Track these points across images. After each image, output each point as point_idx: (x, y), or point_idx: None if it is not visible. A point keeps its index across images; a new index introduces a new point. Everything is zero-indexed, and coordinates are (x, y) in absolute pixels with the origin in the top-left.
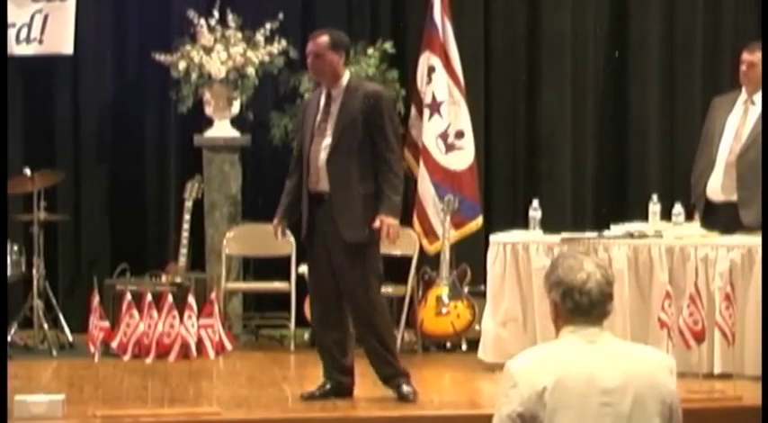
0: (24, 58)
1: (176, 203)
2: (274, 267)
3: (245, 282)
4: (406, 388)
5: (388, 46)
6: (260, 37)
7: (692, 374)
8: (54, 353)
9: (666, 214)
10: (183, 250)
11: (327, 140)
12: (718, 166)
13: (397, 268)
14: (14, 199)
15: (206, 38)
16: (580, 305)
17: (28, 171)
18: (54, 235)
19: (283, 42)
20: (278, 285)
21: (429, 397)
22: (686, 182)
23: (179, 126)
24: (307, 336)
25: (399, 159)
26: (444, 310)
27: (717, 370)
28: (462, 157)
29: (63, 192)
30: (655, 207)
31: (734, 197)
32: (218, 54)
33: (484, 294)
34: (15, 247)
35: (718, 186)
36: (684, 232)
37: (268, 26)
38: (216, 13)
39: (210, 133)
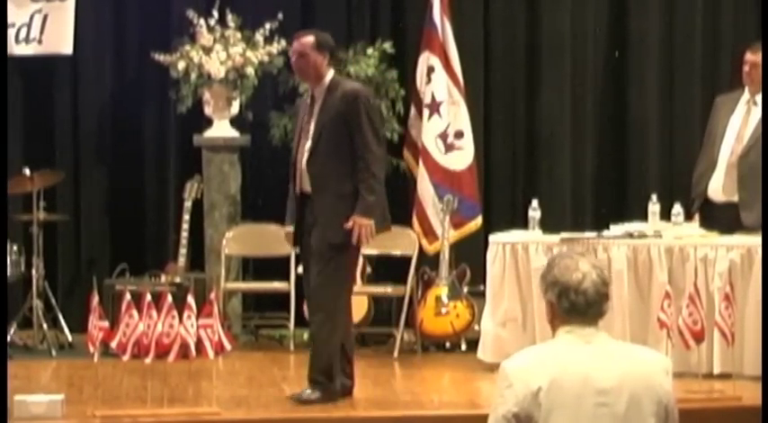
0: (24, 58)
1: (176, 203)
2: (274, 267)
3: (245, 282)
4: (311, 393)
5: (388, 46)
6: (259, 37)
7: (692, 374)
8: (53, 353)
9: (666, 214)
10: (183, 250)
11: (309, 143)
12: (719, 167)
13: (396, 268)
14: (14, 199)
15: (205, 38)
16: (576, 305)
17: (27, 171)
18: (53, 235)
19: (283, 42)
20: (277, 285)
21: (429, 397)
22: (686, 182)
23: (178, 126)
24: (306, 336)
25: (378, 159)
26: (444, 310)
27: (716, 370)
28: (462, 157)
29: (62, 192)
30: (654, 207)
31: (735, 198)
32: (218, 54)
33: (483, 294)
34: (15, 247)
35: (719, 187)
36: (684, 232)
37: (267, 26)
38: (215, 13)
39: (210, 133)
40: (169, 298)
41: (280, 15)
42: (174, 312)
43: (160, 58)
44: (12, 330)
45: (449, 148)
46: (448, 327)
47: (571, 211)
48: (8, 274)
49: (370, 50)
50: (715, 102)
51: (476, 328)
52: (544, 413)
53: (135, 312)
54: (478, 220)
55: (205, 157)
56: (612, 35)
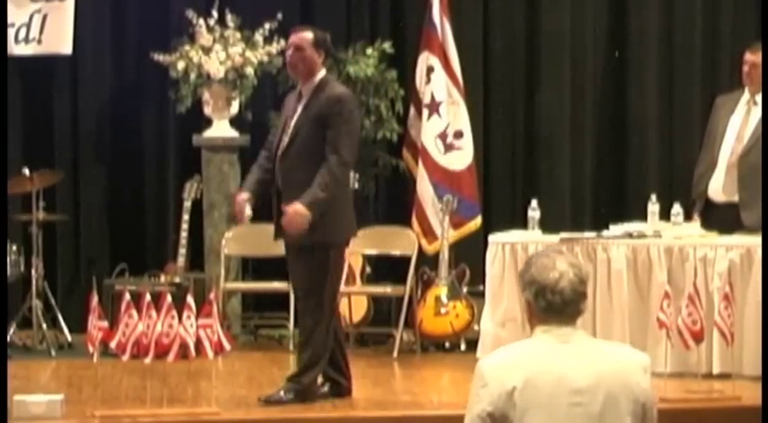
0: (23, 58)
1: (175, 203)
2: (273, 267)
3: (244, 282)
4: (286, 394)
5: (387, 46)
6: (259, 37)
7: (691, 374)
8: (53, 353)
9: (665, 214)
10: (182, 250)
11: (286, 139)
12: (719, 167)
13: (395, 268)
14: (13, 199)
15: (205, 38)
16: (553, 304)
17: (27, 171)
18: (53, 235)
19: (282, 42)
20: (277, 285)
21: (428, 397)
22: (685, 182)
23: (178, 126)
24: None
25: (344, 164)
26: (443, 310)
27: (716, 370)
28: (461, 157)
29: (62, 192)
30: (653, 207)
31: (735, 198)
32: (217, 54)
33: (483, 294)
34: (14, 247)
35: (719, 187)
36: (683, 232)
37: (267, 26)
38: (215, 13)
39: (209, 133)
40: (168, 298)
41: (279, 15)
42: (174, 312)
43: (159, 58)
44: (11, 330)
45: (448, 148)
46: (447, 327)
47: (570, 211)
48: (8, 274)
49: (369, 50)
50: (715, 102)
51: (475, 328)
52: (519, 413)
53: (134, 312)
54: (478, 220)
55: (204, 157)
56: (612, 35)
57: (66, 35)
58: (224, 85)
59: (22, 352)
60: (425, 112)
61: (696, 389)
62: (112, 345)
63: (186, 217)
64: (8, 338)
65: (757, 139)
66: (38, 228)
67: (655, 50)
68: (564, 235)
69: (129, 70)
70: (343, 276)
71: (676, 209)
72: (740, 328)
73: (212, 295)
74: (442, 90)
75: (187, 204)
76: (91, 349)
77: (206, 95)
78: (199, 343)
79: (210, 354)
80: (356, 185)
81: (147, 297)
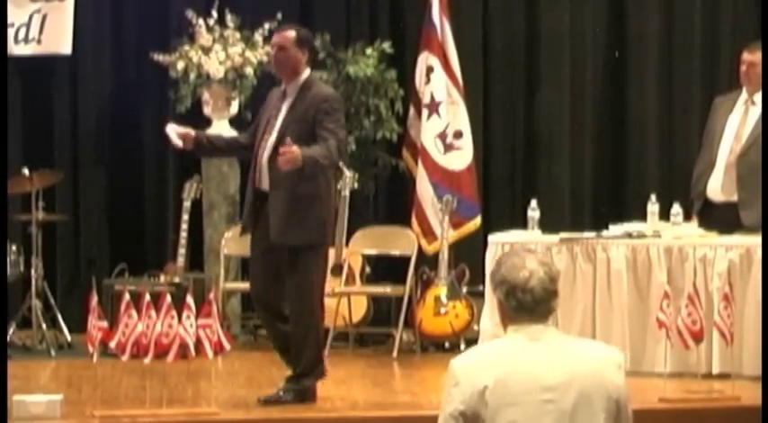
0: (23, 58)
1: (175, 203)
2: None
3: (244, 282)
4: (285, 394)
5: (387, 46)
6: (258, 37)
7: (691, 374)
8: (52, 353)
9: (665, 214)
10: (182, 250)
11: (272, 138)
12: (718, 167)
13: (395, 268)
14: (13, 199)
15: (204, 38)
16: (523, 303)
17: (26, 171)
18: (52, 235)
19: None
20: None
21: (428, 397)
22: (685, 182)
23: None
24: None
25: (340, 146)
26: (443, 310)
27: (715, 370)
28: (461, 157)
29: (61, 192)
30: (653, 207)
31: (734, 197)
32: (217, 54)
33: (482, 294)
34: (14, 247)
35: (718, 187)
36: (683, 232)
37: (266, 26)
38: (214, 13)
39: (209, 133)
40: (168, 298)
41: (279, 15)
42: (173, 312)
43: (159, 58)
44: (11, 330)
45: (448, 148)
46: (447, 327)
47: (570, 211)
48: (7, 274)
49: (369, 50)
50: (713, 102)
51: (475, 328)
52: (491, 411)
53: (134, 312)
54: (477, 220)
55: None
56: (611, 35)
57: (66, 35)
58: (223, 85)
59: (21, 352)
60: (425, 112)
61: (696, 389)
62: (112, 345)
63: (186, 217)
64: (8, 338)
65: (756, 138)
66: (37, 228)
67: (654, 50)
68: (563, 235)
69: (129, 70)
70: (343, 276)
71: (676, 209)
72: (740, 328)
73: (212, 295)
74: (441, 90)
75: (187, 204)
76: (90, 349)
77: (206, 95)
78: (198, 343)
79: (210, 354)
80: (356, 185)
81: (147, 297)
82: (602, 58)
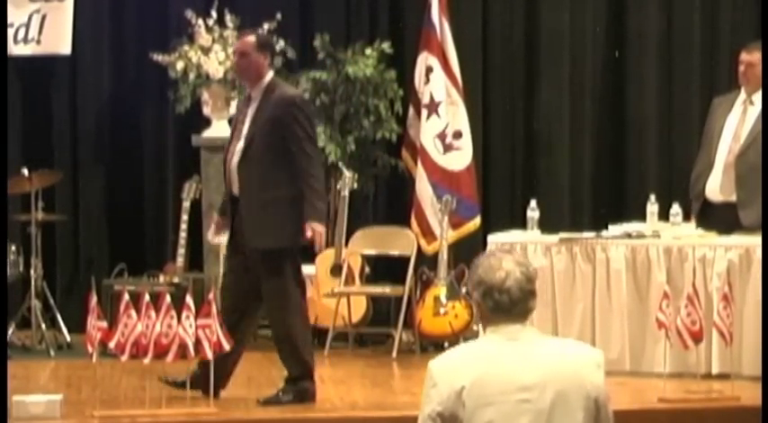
0: (22, 58)
1: (174, 204)
2: None
3: None
4: (285, 395)
5: (386, 46)
6: None
7: (690, 375)
8: (52, 353)
9: (664, 214)
10: (181, 250)
11: (240, 144)
12: (717, 167)
13: (394, 268)
14: (12, 199)
15: (204, 38)
16: (500, 304)
17: (26, 171)
18: (52, 235)
19: (281, 43)
20: None
21: None
22: (684, 182)
23: (177, 126)
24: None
25: (316, 163)
26: (442, 311)
27: (715, 370)
28: (460, 158)
29: (61, 192)
30: (652, 207)
31: (733, 198)
32: (216, 54)
33: None
34: (13, 247)
35: (717, 187)
36: (682, 232)
37: (266, 26)
38: (214, 14)
39: (208, 133)
40: (168, 298)
41: (278, 15)
42: (173, 312)
43: (159, 58)
44: (10, 330)
45: (447, 148)
46: (446, 327)
47: (570, 211)
48: (7, 274)
49: (368, 51)
50: (712, 103)
51: (474, 328)
52: (468, 412)
53: (133, 312)
54: (477, 221)
55: (203, 158)
56: (611, 34)
57: (65, 35)
58: (223, 86)
59: (21, 352)
60: (424, 112)
61: (695, 389)
62: (111, 345)
63: (185, 217)
64: (8, 338)
65: (754, 138)
66: (37, 228)
67: (654, 49)
68: (563, 235)
69: (129, 70)
70: (343, 276)
71: (675, 209)
72: (739, 328)
73: (211, 295)
74: (441, 90)
75: (186, 204)
76: (90, 349)
77: (205, 96)
78: (198, 343)
79: (209, 354)
80: (355, 186)
81: (146, 297)
82: (602, 57)
